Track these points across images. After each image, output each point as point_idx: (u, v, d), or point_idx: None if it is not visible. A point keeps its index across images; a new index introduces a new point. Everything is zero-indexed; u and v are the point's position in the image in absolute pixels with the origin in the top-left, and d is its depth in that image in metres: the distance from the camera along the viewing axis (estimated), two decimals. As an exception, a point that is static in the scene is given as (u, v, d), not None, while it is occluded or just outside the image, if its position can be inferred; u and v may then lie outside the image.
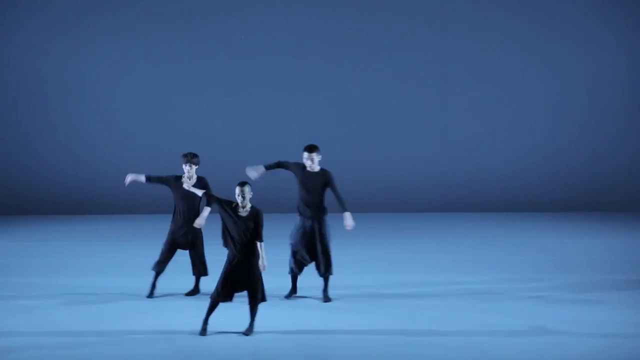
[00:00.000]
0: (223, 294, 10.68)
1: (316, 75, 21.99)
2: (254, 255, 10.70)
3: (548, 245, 17.33)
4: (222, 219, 10.71)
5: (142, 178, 12.75)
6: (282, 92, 22.04)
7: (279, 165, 12.63)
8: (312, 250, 12.49)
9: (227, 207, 10.67)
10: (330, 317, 11.73)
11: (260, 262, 10.75)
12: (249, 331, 10.75)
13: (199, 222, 12.50)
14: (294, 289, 12.69)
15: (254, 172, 12.60)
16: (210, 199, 11.53)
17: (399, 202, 21.95)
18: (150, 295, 12.71)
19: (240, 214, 10.67)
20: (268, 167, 12.65)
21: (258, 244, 10.74)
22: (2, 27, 21.87)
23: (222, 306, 10.86)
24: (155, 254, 12.88)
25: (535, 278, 13.99)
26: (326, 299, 12.54)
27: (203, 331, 10.68)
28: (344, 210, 12.50)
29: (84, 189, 21.98)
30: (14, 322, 11.46)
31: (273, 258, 13.25)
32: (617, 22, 21.86)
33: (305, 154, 12.52)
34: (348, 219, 12.52)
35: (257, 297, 10.74)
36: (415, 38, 21.91)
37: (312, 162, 12.49)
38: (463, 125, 22.07)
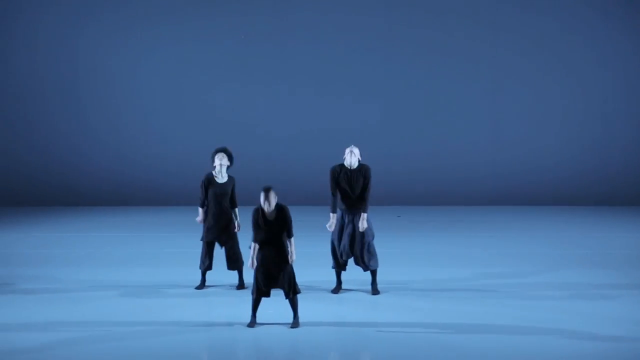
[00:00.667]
0: (260, 290, 10.76)
1: (366, 69, 21.86)
2: (284, 250, 10.75)
3: (598, 239, 17.13)
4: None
5: (201, 211, 12.83)
6: (333, 85, 21.94)
7: (335, 193, 12.44)
8: (352, 245, 12.42)
9: (256, 216, 10.71)
10: (373, 310, 11.71)
11: (289, 257, 10.79)
12: (295, 324, 10.80)
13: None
14: (339, 284, 12.63)
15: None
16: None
17: (448, 195, 21.81)
18: (200, 287, 12.78)
19: (268, 217, 10.69)
20: (335, 209, 12.47)
21: (288, 239, 10.79)
22: (31, 22, 21.97)
23: (268, 299, 10.87)
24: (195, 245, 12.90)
25: (580, 273, 13.82)
26: (375, 291, 12.51)
27: (252, 324, 10.77)
28: (363, 210, 12.37)
29: (122, 181, 22.05)
30: (63, 313, 11.54)
31: (311, 250, 13.26)
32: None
33: (347, 150, 12.38)
34: (363, 221, 12.37)
35: (290, 291, 10.77)
36: (464, 36, 21.71)
37: (351, 156, 12.33)
38: (513, 119, 21.87)
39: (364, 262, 12.41)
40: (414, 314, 11.39)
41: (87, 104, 22.10)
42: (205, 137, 21.70)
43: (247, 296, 11.60)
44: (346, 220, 12.41)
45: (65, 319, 11.19)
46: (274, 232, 10.68)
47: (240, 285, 12.81)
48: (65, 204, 21.84)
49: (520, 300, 12.14)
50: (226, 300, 12.18)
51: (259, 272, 10.73)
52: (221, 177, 12.74)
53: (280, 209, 10.70)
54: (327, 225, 12.45)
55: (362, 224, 12.32)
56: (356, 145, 12.54)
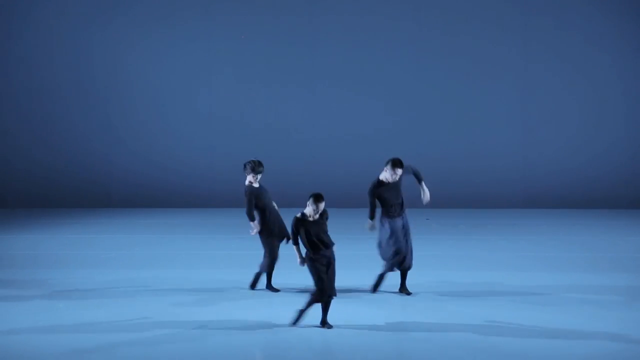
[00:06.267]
0: (329, 294, 10.74)
1: (397, 72, 21.84)
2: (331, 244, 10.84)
3: (631, 243, 17.00)
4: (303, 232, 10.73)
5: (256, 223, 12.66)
6: (364, 88, 21.91)
7: (374, 203, 12.39)
8: (405, 245, 12.48)
9: (302, 225, 10.66)
10: (404, 312, 11.69)
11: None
12: (329, 324, 10.81)
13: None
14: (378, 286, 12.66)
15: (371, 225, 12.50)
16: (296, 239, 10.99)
17: (477, 197, 21.74)
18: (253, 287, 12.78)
19: (310, 220, 10.69)
20: (374, 215, 12.45)
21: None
22: (50, 23, 22.04)
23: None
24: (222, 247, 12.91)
25: (611, 277, 13.71)
26: (409, 292, 12.52)
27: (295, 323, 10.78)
28: (422, 179, 12.71)
29: (149, 183, 22.09)
30: (92, 315, 11.55)
31: (358, 253, 13.24)
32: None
33: (393, 170, 12.27)
34: (427, 192, 12.66)
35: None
36: (495, 41, 21.72)
37: (395, 178, 12.32)
38: (543, 123, 21.83)
39: (409, 261, 12.47)
40: (443, 317, 11.34)
41: (112, 106, 22.19)
42: (232, 139, 21.73)
43: (276, 297, 11.56)
44: (400, 225, 12.42)
45: (95, 320, 11.19)
46: (322, 229, 10.70)
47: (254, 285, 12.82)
48: (93, 206, 21.90)
49: (550, 304, 12.04)
50: (274, 301, 12.14)
51: (324, 275, 10.70)
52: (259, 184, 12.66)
53: (324, 211, 10.80)
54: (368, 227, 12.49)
55: (427, 195, 12.60)
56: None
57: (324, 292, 10.69)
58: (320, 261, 10.68)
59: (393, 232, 12.37)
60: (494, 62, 21.78)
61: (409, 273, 12.59)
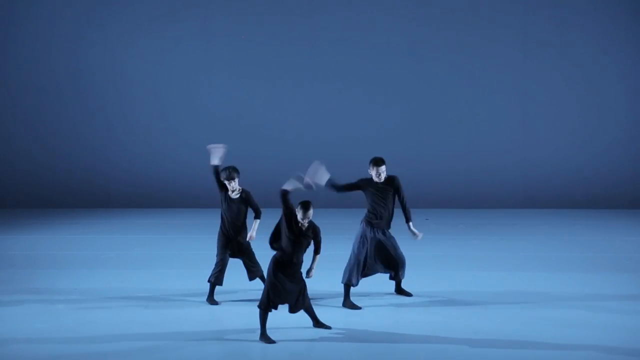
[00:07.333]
0: (273, 304, 10.44)
1: (394, 71, 21.83)
2: (300, 267, 10.55)
3: (631, 244, 16.98)
4: (282, 226, 10.43)
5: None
6: (363, 88, 21.89)
7: (348, 188, 12.05)
8: (388, 259, 12.18)
9: (289, 222, 10.39)
10: (400, 316, 11.63)
11: (310, 272, 10.65)
12: (326, 325, 10.69)
13: (252, 236, 12.21)
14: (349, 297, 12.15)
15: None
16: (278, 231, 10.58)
17: (475, 197, 21.72)
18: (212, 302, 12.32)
19: (300, 229, 10.42)
20: (333, 185, 11.89)
21: (315, 256, 10.66)
22: (42, 22, 22.02)
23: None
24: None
25: (612, 279, 13.67)
26: (408, 293, 12.41)
27: (266, 338, 10.35)
28: (408, 220, 12.20)
29: (145, 183, 22.06)
30: (84, 323, 11.49)
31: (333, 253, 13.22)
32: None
33: (375, 169, 12.05)
34: (414, 229, 12.20)
35: (299, 308, 10.61)
36: (495, 39, 21.71)
37: (380, 177, 12.09)
38: (541, 122, 21.81)
39: (403, 271, 12.29)
40: (441, 320, 11.31)
41: (111, 106, 22.18)
42: (232, 139, 21.64)
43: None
44: (380, 237, 12.13)
45: (95, 323, 11.16)
46: (305, 244, 10.44)
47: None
48: (92, 206, 21.89)
49: (550, 304, 12.01)
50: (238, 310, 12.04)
51: (278, 290, 10.42)
52: (231, 193, 12.32)
53: (315, 228, 10.51)
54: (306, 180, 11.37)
55: (418, 232, 12.21)
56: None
57: (270, 302, 10.36)
58: (286, 268, 10.40)
59: (364, 239, 12.05)
60: (493, 62, 21.77)
61: (405, 274, 12.49)
